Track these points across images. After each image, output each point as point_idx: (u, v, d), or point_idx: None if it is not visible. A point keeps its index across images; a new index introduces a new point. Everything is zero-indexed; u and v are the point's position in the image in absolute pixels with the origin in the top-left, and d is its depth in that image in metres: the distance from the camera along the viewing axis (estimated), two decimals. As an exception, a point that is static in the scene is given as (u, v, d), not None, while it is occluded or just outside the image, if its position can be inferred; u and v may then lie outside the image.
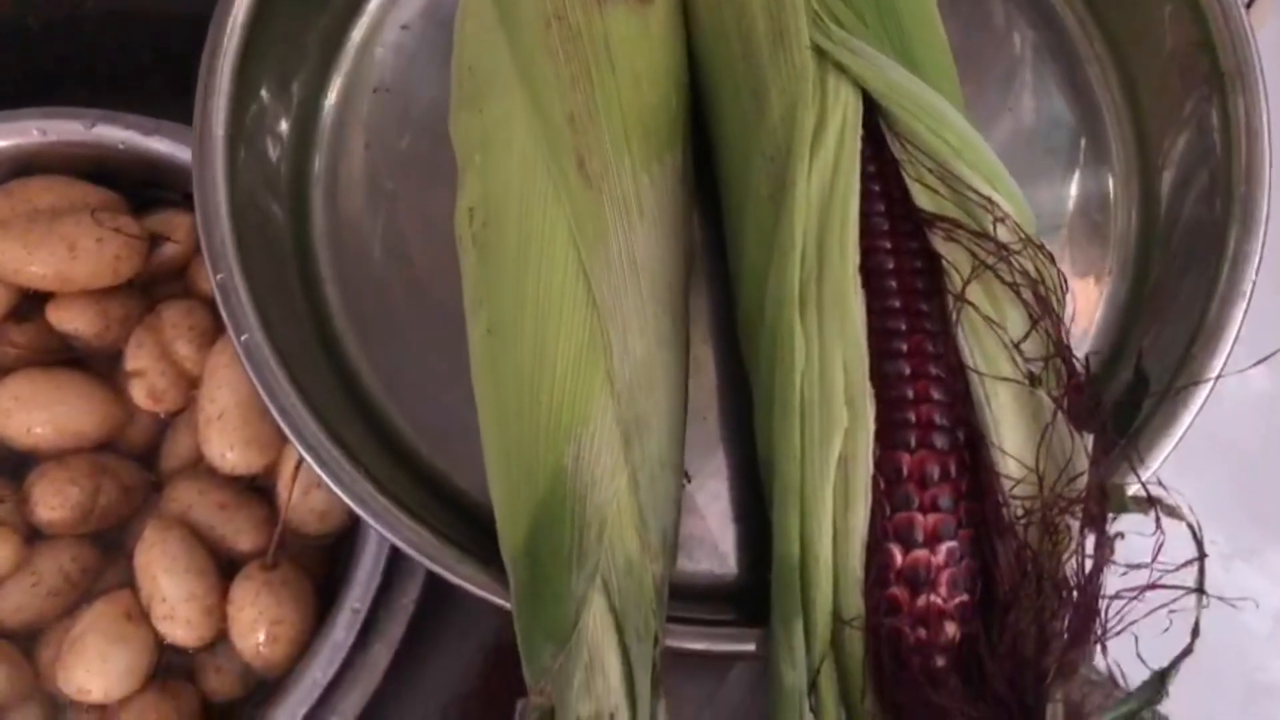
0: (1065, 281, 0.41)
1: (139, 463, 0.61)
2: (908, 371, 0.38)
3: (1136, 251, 0.50)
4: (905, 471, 0.37)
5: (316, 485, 0.58)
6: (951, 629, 0.37)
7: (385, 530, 0.42)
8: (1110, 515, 0.39)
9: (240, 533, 0.58)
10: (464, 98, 0.44)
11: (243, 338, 0.43)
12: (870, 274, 0.40)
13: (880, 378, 0.38)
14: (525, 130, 0.42)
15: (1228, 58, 0.46)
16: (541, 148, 0.41)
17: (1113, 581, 0.39)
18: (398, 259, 0.52)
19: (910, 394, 0.38)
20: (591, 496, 0.38)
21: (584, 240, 0.40)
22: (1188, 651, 0.36)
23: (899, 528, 0.37)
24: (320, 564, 0.59)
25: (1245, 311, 0.44)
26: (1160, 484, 0.40)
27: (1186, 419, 0.43)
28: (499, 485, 0.40)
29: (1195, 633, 0.38)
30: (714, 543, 0.49)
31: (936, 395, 0.38)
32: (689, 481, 0.50)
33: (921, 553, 0.37)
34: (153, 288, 0.63)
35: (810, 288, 0.39)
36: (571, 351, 0.39)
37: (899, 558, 0.37)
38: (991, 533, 0.37)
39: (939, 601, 0.37)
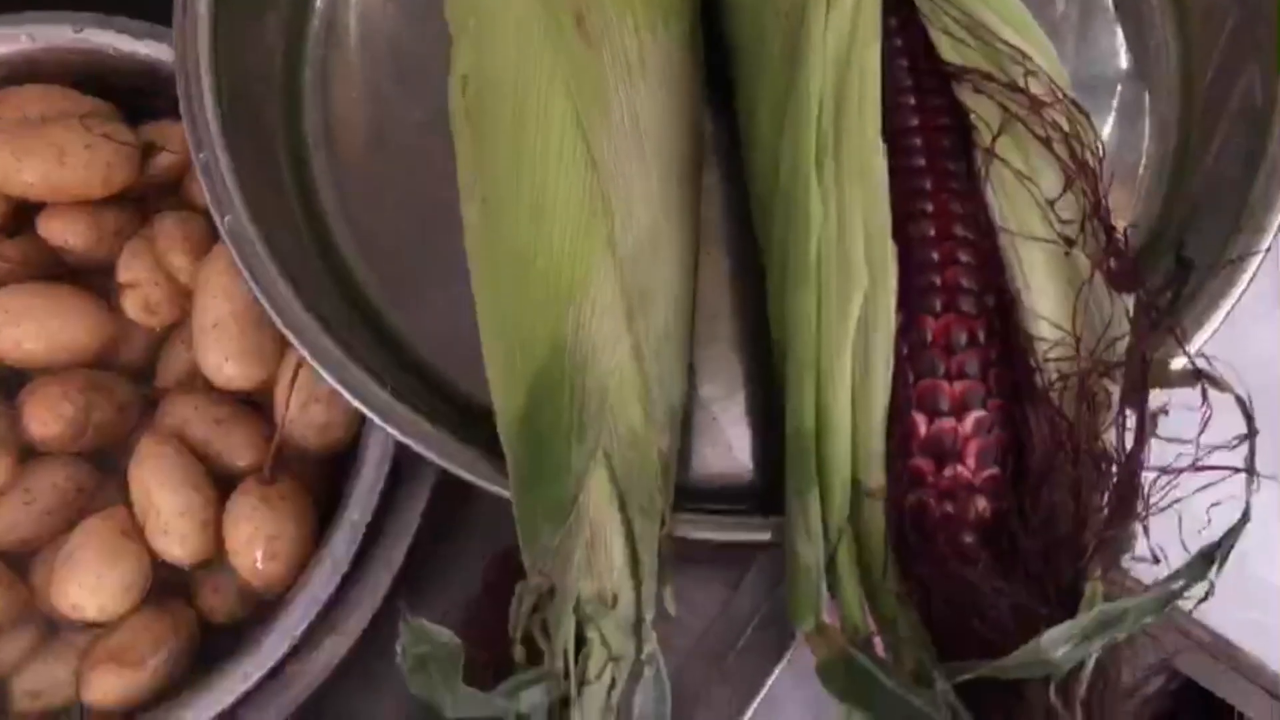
0: (1102, 144, 0.38)
1: (135, 380, 0.59)
2: (933, 233, 0.36)
3: (1178, 134, 0.47)
4: (930, 337, 0.35)
5: (316, 399, 0.55)
6: (981, 504, 0.34)
7: (379, 418, 0.40)
8: (1153, 391, 0.36)
9: (237, 448, 0.56)
10: (456, -36, 0.42)
11: (226, 219, 0.41)
12: (893, 132, 0.37)
13: (903, 240, 0.36)
14: (522, -10, 0.39)
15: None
16: (537, 6, 0.39)
17: (1155, 457, 0.36)
18: (394, 151, 0.50)
19: (935, 256, 0.36)
20: (592, 366, 0.36)
21: (582, 99, 0.38)
22: (1238, 530, 0.33)
23: (923, 396, 0.34)
24: (321, 481, 0.57)
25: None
26: (1206, 358, 0.37)
27: (1234, 294, 0.40)
28: (495, 362, 0.38)
29: (1246, 516, 0.35)
30: (727, 444, 0.47)
31: (964, 258, 0.36)
32: (694, 377, 0.47)
33: (948, 422, 0.34)
34: (148, 201, 0.61)
35: (828, 147, 0.36)
36: (571, 216, 0.37)
37: (923, 427, 0.34)
38: (1024, 402, 0.34)
39: (966, 474, 0.34)
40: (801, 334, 0.35)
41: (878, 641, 0.34)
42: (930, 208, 0.36)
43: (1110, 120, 0.48)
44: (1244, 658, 0.47)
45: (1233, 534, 0.33)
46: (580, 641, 0.34)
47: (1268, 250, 0.40)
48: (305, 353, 0.40)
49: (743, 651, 0.44)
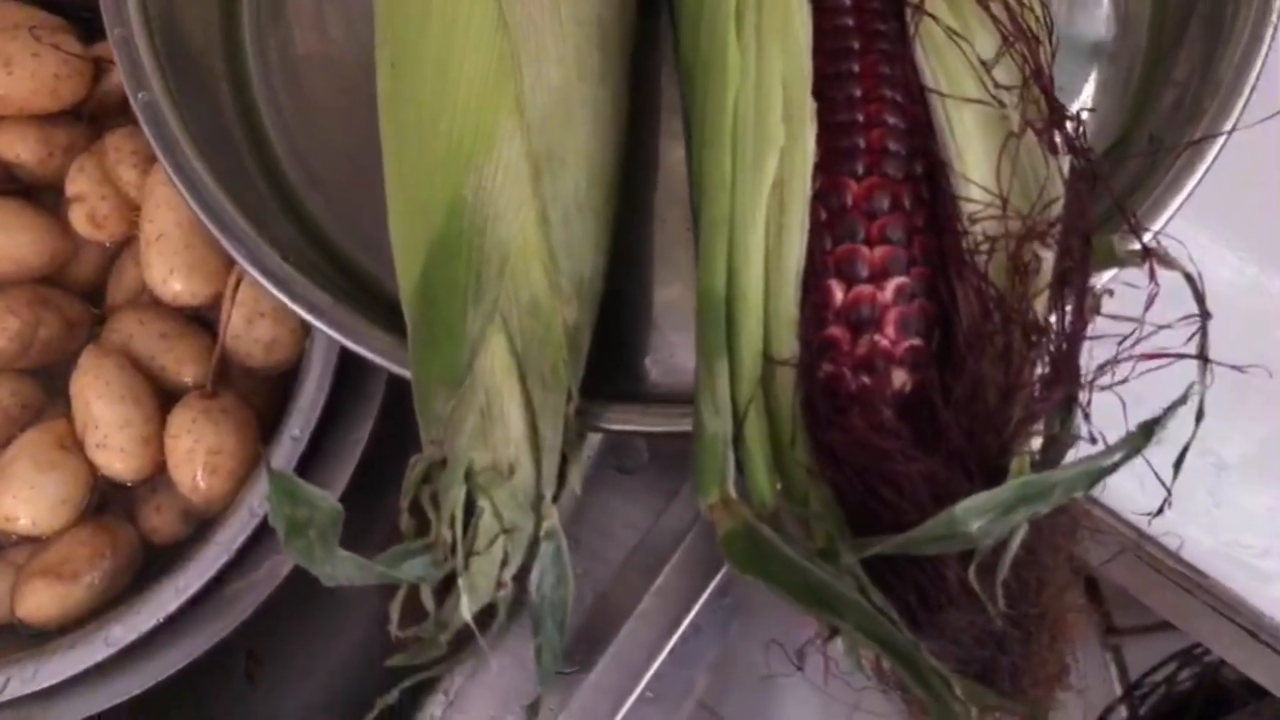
0: (1049, 12, 0.35)
1: (86, 298, 0.58)
2: (858, 94, 0.34)
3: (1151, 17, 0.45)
4: (851, 200, 0.33)
5: (261, 315, 0.54)
6: (900, 377, 0.32)
7: (283, 292, 0.38)
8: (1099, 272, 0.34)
9: (182, 363, 0.55)
10: None
11: (140, 95, 0.39)
12: (820, -10, 0.35)
13: (827, 101, 0.34)
14: None
15: None
16: None
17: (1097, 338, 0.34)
18: (327, 47, 0.48)
19: (860, 118, 0.33)
20: (492, 230, 0.34)
21: (494, -44, 0.36)
22: (1181, 403, 0.31)
23: (840, 261, 0.32)
24: (268, 399, 0.56)
25: (1264, 60, 0.38)
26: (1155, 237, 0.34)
27: (1195, 175, 0.37)
28: (398, 229, 0.36)
29: (1200, 415, 0.33)
30: (669, 352, 0.45)
31: (891, 120, 0.33)
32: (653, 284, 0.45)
33: (865, 289, 0.32)
34: (101, 119, 0.60)
35: (749, 2, 0.34)
36: (477, 77, 0.35)
37: (839, 294, 0.32)
38: (950, 271, 0.32)
39: (885, 344, 0.32)
40: (715, 194, 0.33)
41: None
42: (857, 68, 0.34)
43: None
44: (1219, 590, 0.44)
45: (1174, 409, 0.31)
46: (473, 514, 0.32)
47: (1231, 132, 0.37)
48: (212, 227, 0.38)
49: (677, 567, 0.42)
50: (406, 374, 0.36)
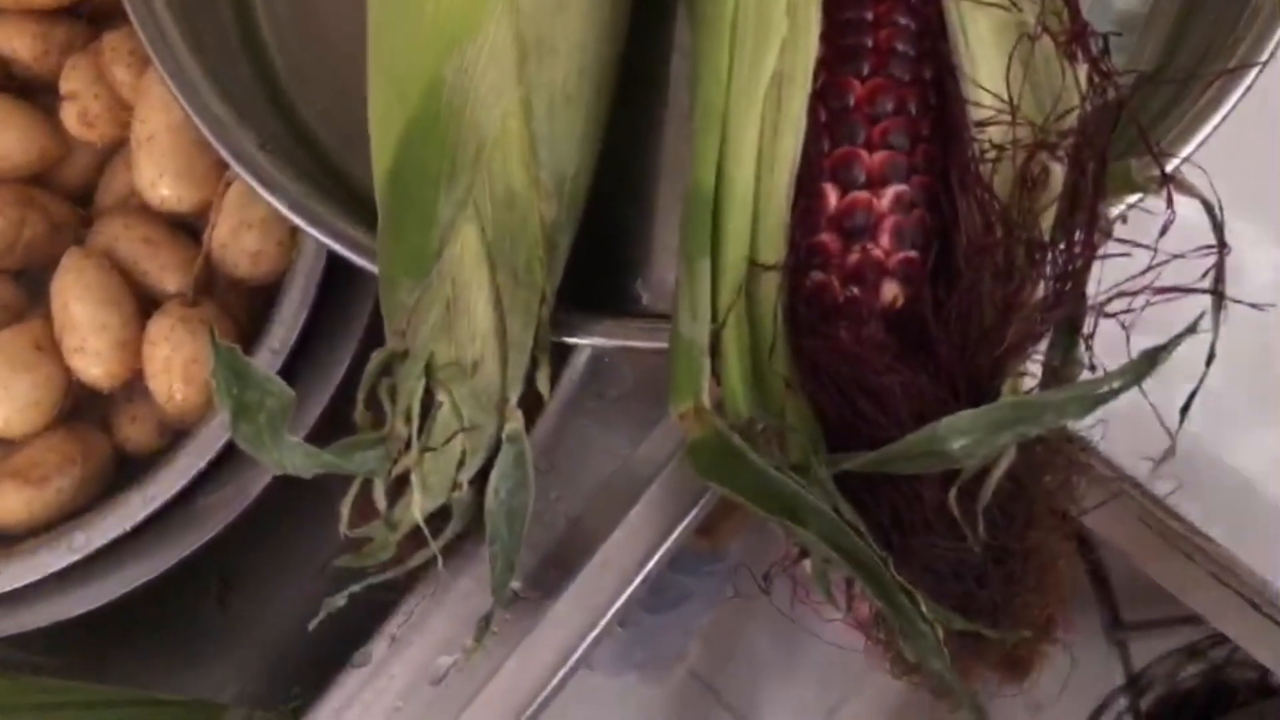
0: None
1: (74, 202, 0.57)
2: (868, -9, 0.31)
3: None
4: (853, 101, 0.31)
5: (249, 225, 0.52)
6: (891, 290, 0.30)
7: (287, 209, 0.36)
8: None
9: (165, 270, 0.53)
10: None
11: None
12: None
13: (835, -4, 0.31)
14: None
15: None
16: None
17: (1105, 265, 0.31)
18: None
19: (870, 16, 0.31)
20: (470, 113, 0.32)
21: None
22: (1189, 332, 0.29)
23: (837, 165, 0.30)
24: (251, 314, 0.54)
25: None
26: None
27: (1226, 104, 0.35)
28: (375, 110, 0.34)
29: (1212, 354, 0.31)
30: (661, 275, 0.43)
31: (901, 20, 0.31)
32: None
33: (862, 194, 0.30)
34: (101, 19, 0.58)
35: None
36: (468, -46, 0.33)
37: (833, 199, 0.30)
38: (953, 180, 0.30)
39: (878, 254, 0.30)
40: (710, 84, 0.31)
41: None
42: (869, -37, 0.32)
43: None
44: (1215, 551, 0.42)
45: (1181, 338, 0.29)
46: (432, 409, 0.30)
47: (1267, 62, 0.35)
48: (196, 118, 0.36)
49: (655, 495, 0.40)
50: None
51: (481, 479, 0.31)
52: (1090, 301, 0.31)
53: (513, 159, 0.32)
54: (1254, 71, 0.35)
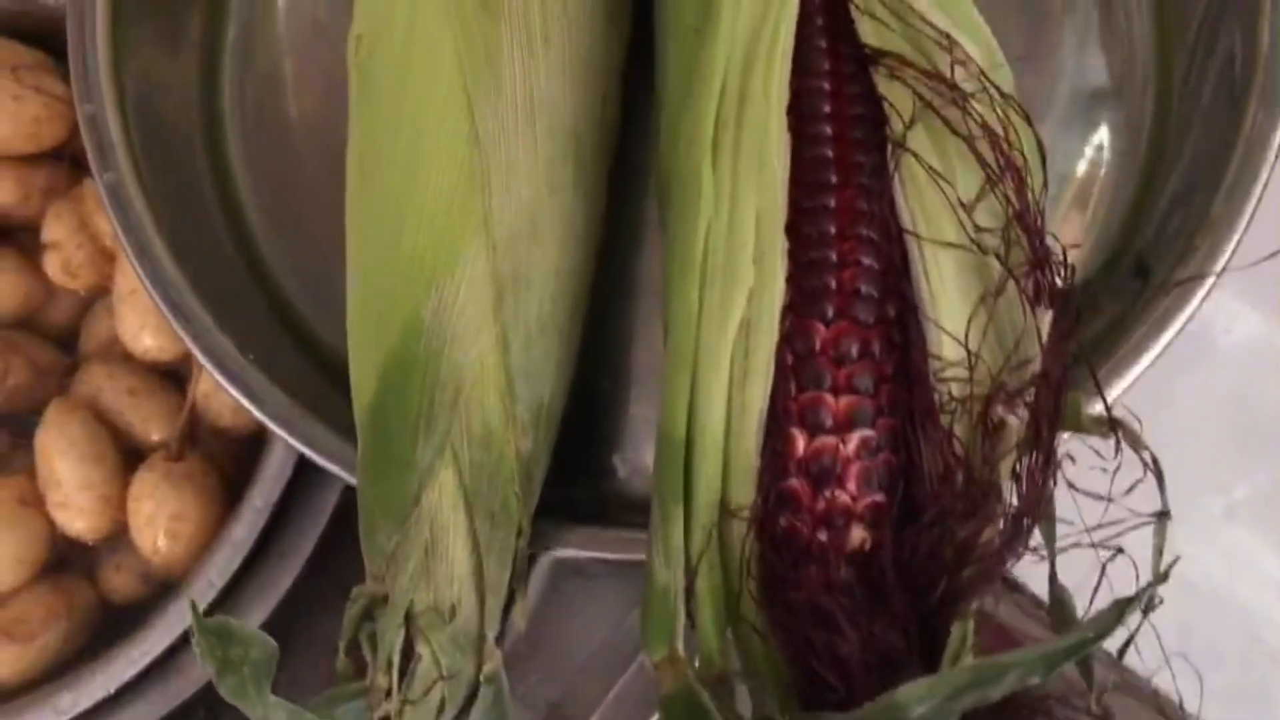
0: (1042, 145, 0.34)
1: (58, 346, 0.57)
2: (833, 231, 0.32)
3: (1149, 140, 0.43)
4: (818, 345, 0.31)
5: (233, 375, 0.53)
6: (858, 535, 0.31)
7: (251, 404, 0.37)
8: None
9: (149, 421, 0.54)
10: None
11: (105, 176, 0.38)
12: (802, 118, 0.34)
13: (800, 236, 0.32)
14: (423, -58, 0.36)
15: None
16: (437, -39, 0.36)
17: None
18: (315, 129, 0.47)
19: (833, 257, 0.32)
20: (449, 355, 0.33)
21: (472, 68, 0.35)
22: (1156, 583, 0.30)
23: (804, 409, 0.31)
24: (236, 462, 0.55)
25: (1258, 202, 0.37)
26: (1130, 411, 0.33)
27: (1177, 322, 0.36)
28: (356, 341, 0.35)
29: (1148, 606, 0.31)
30: (638, 450, 0.44)
31: (865, 260, 0.32)
32: (629, 387, 0.44)
33: (829, 440, 0.31)
34: (83, 160, 0.58)
35: (728, 129, 0.33)
36: (445, 189, 0.34)
37: (801, 444, 0.31)
38: (917, 424, 0.31)
39: (846, 499, 0.31)
40: (682, 329, 0.31)
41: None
42: (833, 203, 0.33)
43: (1072, 128, 0.44)
44: None
45: (1151, 587, 0.30)
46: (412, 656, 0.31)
47: (1221, 273, 0.36)
48: (171, 318, 0.37)
49: (638, 673, 0.41)
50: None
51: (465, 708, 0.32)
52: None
53: (490, 398, 0.33)
54: (1208, 283, 0.36)
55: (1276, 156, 0.38)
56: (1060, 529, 0.31)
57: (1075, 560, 0.32)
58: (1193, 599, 0.54)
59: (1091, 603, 0.32)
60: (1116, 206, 0.43)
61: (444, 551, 0.32)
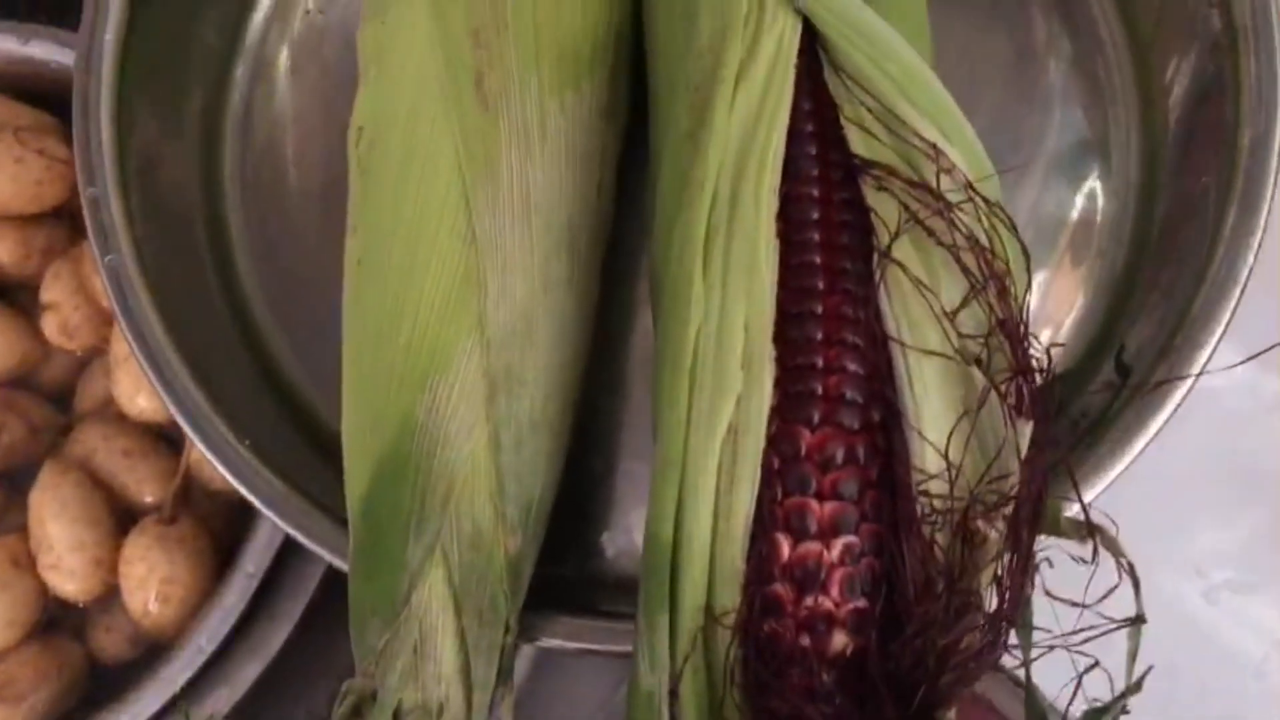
0: (1026, 252, 0.35)
1: (53, 404, 0.58)
2: (820, 337, 0.33)
3: (1130, 239, 0.44)
4: (804, 449, 0.32)
5: (227, 438, 0.54)
6: (841, 640, 0.31)
7: (249, 491, 0.37)
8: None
9: (143, 482, 0.54)
10: (372, 4, 0.40)
11: (107, 259, 0.39)
12: (791, 224, 0.34)
13: (788, 342, 0.33)
14: (425, 40, 0.37)
15: (1242, 13, 0.40)
16: (438, 60, 0.37)
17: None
18: (314, 201, 0.48)
19: (820, 362, 0.33)
20: (441, 455, 0.33)
21: (470, 166, 0.35)
22: (1131, 691, 0.30)
23: (789, 514, 0.32)
24: (229, 526, 0.55)
25: (1238, 300, 0.38)
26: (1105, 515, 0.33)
27: (1160, 418, 0.37)
28: (348, 434, 0.36)
29: (1137, 687, 0.32)
30: (627, 531, 0.44)
31: (850, 366, 0.33)
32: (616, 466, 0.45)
33: (813, 546, 0.31)
34: (83, 220, 0.59)
35: (719, 235, 0.34)
36: (440, 288, 0.34)
37: (786, 550, 0.32)
38: (900, 531, 0.32)
39: (829, 605, 0.31)
40: (671, 433, 0.32)
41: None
42: (819, 309, 0.33)
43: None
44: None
45: (1123, 697, 0.30)
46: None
47: (1199, 374, 0.37)
48: (169, 403, 0.38)
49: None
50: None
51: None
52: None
53: (480, 497, 0.34)
54: (1185, 385, 0.37)
55: (1255, 256, 0.39)
56: (1037, 636, 0.32)
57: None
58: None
59: (1070, 704, 0.32)
60: (1100, 294, 0.44)
61: (432, 650, 0.32)
